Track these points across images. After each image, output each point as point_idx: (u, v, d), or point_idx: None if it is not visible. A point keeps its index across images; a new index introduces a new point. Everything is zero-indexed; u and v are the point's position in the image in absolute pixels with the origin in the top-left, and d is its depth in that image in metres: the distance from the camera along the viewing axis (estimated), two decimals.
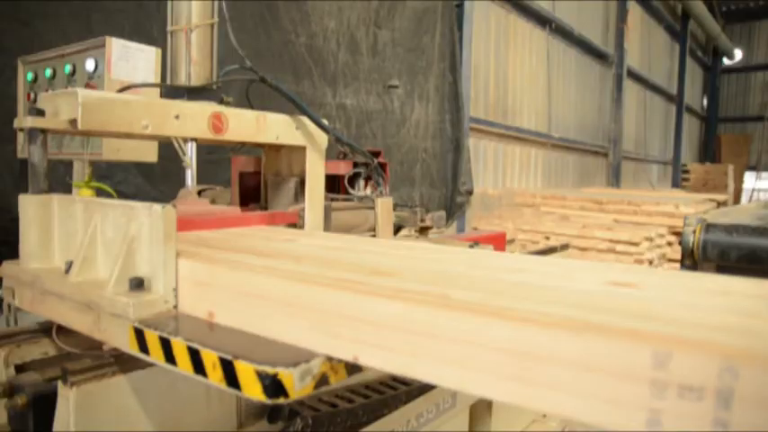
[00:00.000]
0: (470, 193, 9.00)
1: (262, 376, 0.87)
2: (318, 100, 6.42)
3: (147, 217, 1.15)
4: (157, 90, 1.95)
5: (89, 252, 1.26)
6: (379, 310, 0.86)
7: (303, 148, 1.84)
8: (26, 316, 2.01)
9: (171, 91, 1.71)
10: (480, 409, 2.52)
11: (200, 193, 2.34)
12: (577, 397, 0.68)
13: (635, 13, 15.43)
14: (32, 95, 2.16)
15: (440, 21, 8.26)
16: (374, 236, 2.11)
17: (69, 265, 1.28)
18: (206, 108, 1.59)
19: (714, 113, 25.30)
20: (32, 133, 1.35)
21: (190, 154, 1.59)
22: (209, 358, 0.94)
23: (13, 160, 3.20)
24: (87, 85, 1.93)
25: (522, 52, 10.82)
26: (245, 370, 0.89)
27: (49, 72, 2.08)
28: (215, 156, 4.07)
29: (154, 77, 1.92)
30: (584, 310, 0.76)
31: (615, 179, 14.46)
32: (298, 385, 0.87)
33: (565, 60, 12.47)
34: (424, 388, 1.95)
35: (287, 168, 1.99)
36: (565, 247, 4.52)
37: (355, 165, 2.33)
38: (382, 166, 2.26)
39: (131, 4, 4.00)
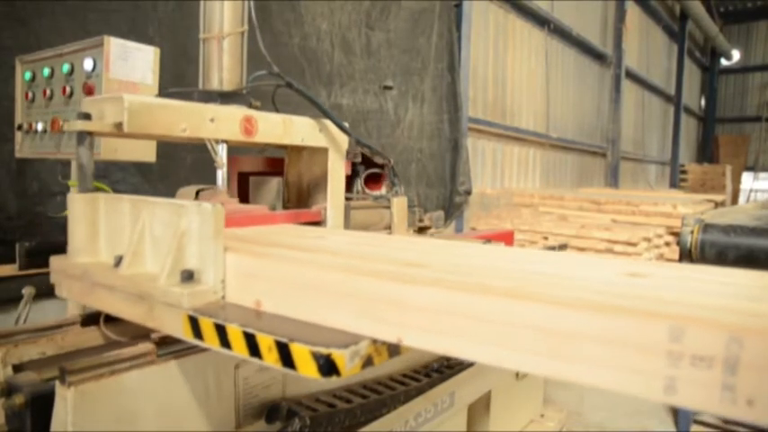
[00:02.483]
0: (469, 193, 9.12)
1: (317, 357, 0.99)
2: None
3: (197, 214, 1.26)
4: (154, 91, 2.02)
5: (138, 247, 1.38)
6: (421, 296, 0.98)
7: (325, 150, 1.96)
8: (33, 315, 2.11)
9: (204, 95, 1.82)
10: (478, 409, 2.60)
11: (198, 192, 2.41)
12: (602, 368, 0.81)
13: (633, 13, 15.60)
14: (30, 95, 2.22)
15: (437, 21, 8.36)
16: (390, 234, 2.23)
17: (119, 260, 1.40)
18: (238, 112, 1.71)
19: (712, 114, 25.55)
20: (81, 136, 1.47)
21: (221, 154, 1.70)
22: (265, 342, 1.06)
23: (11, 160, 3.28)
24: (85, 85, 1.99)
25: (520, 52, 10.94)
26: (300, 351, 1.01)
27: (47, 71, 2.13)
28: (209, 155, 4.18)
29: (152, 77, 1.98)
30: (605, 295, 0.88)
31: (614, 179, 14.62)
32: (348, 365, 0.99)
33: (563, 61, 12.61)
34: (422, 388, 2.00)
35: (307, 169, 2.11)
36: (563, 247, 4.65)
37: (358, 165, 2.42)
38: (380, 166, 2.36)
39: (127, 5, 4.06)
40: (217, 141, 1.70)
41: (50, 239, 2.13)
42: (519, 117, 11.07)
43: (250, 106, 1.83)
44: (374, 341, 1.03)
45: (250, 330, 1.08)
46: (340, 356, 0.98)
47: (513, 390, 2.91)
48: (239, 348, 1.11)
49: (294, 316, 1.15)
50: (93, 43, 1.93)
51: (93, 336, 1.74)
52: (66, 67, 2.06)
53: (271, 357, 1.05)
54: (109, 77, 1.88)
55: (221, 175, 1.68)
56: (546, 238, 7.97)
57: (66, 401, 1.21)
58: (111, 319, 1.69)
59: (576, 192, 11.07)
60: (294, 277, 1.16)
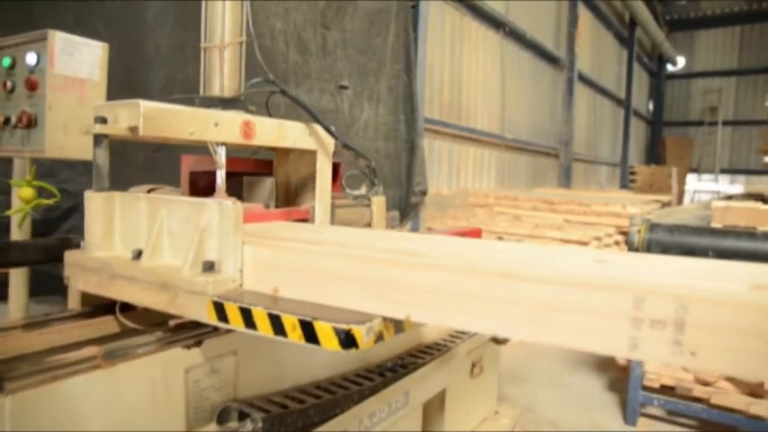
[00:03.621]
0: (425, 193, 9.31)
1: (338, 332, 1.19)
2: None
3: (217, 211, 1.44)
4: (102, 87, 2.05)
5: (157, 241, 1.55)
6: (426, 278, 1.20)
7: (313, 152, 2.15)
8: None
9: (205, 101, 1.98)
10: (433, 408, 2.68)
11: (149, 192, 2.39)
12: (580, 333, 1.04)
13: (585, 18, 16.24)
14: None
15: (394, 21, 8.46)
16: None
17: (137, 253, 1.56)
18: (238, 117, 1.88)
19: (659, 117, 26.76)
20: (98, 138, 1.62)
21: (221, 155, 1.87)
22: (290, 321, 1.25)
23: None
24: (28, 80, 1.97)
25: (476, 54, 11.23)
26: (323, 328, 1.21)
27: None
28: (160, 154, 4.21)
29: (99, 73, 2.01)
30: (579, 275, 1.11)
31: (566, 180, 15.18)
32: (365, 339, 1.19)
33: (518, 63, 13.02)
34: (376, 387, 2.03)
35: (294, 170, 2.29)
36: None
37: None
38: (335, 166, 2.49)
39: None
40: (217, 144, 1.86)
41: None
42: (474, 118, 11.36)
43: (247, 111, 2.01)
44: (384, 319, 1.24)
45: (275, 312, 1.27)
46: (358, 331, 1.18)
47: (467, 388, 2.98)
48: (264, 329, 1.29)
49: (310, 299, 1.34)
50: (37, 37, 1.91)
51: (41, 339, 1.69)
52: (7, 61, 2.02)
53: (295, 335, 1.24)
54: (54, 72, 1.88)
55: (220, 175, 1.83)
56: (501, 238, 8.25)
57: (3, 410, 1.19)
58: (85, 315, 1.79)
59: (530, 192, 11.46)
60: (309, 265, 1.35)
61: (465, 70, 10.90)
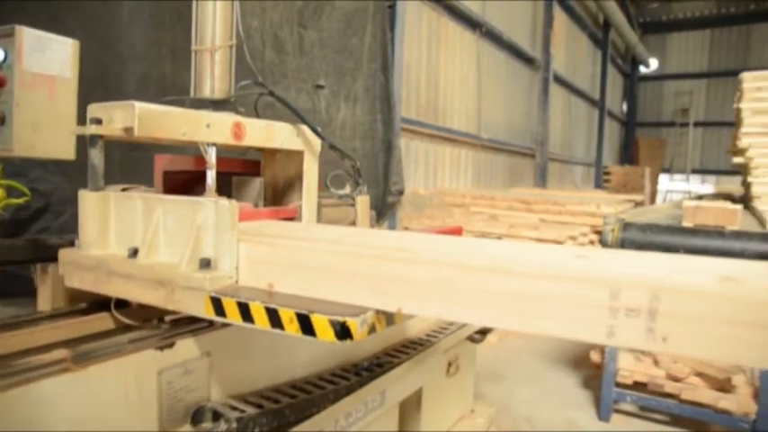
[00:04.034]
0: (401, 192, 9.38)
1: (334, 324, 1.27)
2: (243, 98, 6.55)
3: (213, 210, 1.51)
4: (74, 85, 2.05)
5: (153, 240, 1.61)
6: (416, 273, 1.28)
7: (300, 153, 2.22)
8: None
9: (196, 103, 2.04)
10: (410, 407, 2.71)
11: (122, 191, 2.46)
12: (562, 322, 1.13)
13: (561, 20, 16.50)
14: None
15: (371, 21, 8.49)
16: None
17: (133, 251, 1.62)
18: (229, 118, 1.95)
19: (633, 118, 27.31)
20: (93, 139, 1.67)
21: (211, 155, 1.92)
22: (287, 314, 1.32)
23: None
24: None
25: (453, 54, 11.35)
26: (319, 321, 1.28)
27: None
28: (136, 153, 4.20)
29: (71, 71, 1.96)
30: (560, 269, 1.20)
31: (542, 180, 15.41)
32: (359, 330, 1.27)
33: (494, 63, 13.19)
34: (352, 387, 2.04)
35: (281, 170, 2.36)
36: None
37: None
38: None
39: None
40: (208, 144, 1.92)
41: None
42: (451, 118, 11.48)
43: (237, 113, 2.07)
44: (377, 311, 1.32)
45: (272, 306, 1.34)
46: (353, 323, 1.26)
47: (443, 386, 3.01)
48: (261, 322, 1.36)
49: (304, 294, 1.42)
50: (4, 32, 1.89)
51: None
52: None
53: (292, 327, 1.31)
54: (22, 69, 1.86)
55: (210, 175, 1.89)
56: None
57: None
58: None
59: (507, 192, 11.62)
60: (303, 262, 1.43)
61: (442, 70, 11.01)
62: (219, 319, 1.44)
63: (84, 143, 1.97)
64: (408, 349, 2.50)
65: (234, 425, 1.55)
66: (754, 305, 1.00)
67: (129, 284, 1.60)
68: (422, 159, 10.75)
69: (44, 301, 1.94)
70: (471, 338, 3.18)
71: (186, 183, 2.30)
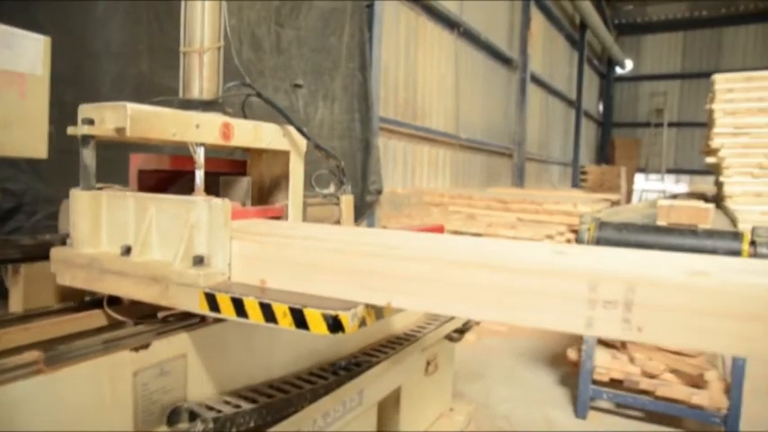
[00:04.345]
0: (380, 192, 9.42)
1: (326, 318, 1.33)
2: (228, 98, 6.50)
3: (205, 209, 1.56)
4: (45, 82, 2.03)
5: (147, 238, 1.65)
6: (405, 268, 1.35)
7: (286, 153, 2.28)
8: None
9: (184, 103, 2.08)
10: (389, 406, 2.73)
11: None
12: (543, 313, 1.20)
13: (538, 20, 16.72)
14: None
15: (349, 21, 8.48)
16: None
17: (126, 249, 1.66)
18: (217, 119, 2.00)
19: (609, 118, 27.77)
20: (85, 139, 1.71)
21: (200, 155, 1.97)
22: (280, 309, 1.38)
23: None
24: None
25: (431, 54, 11.43)
26: (312, 314, 1.34)
27: None
28: (111, 152, 4.20)
29: (42, 68, 1.94)
30: (542, 264, 1.28)
31: (519, 179, 15.60)
32: (351, 323, 1.33)
33: (472, 63, 13.32)
34: (330, 386, 2.04)
35: (267, 170, 2.41)
36: None
37: None
38: None
39: None
40: (197, 144, 1.96)
41: None
42: (429, 118, 11.56)
43: (225, 114, 2.12)
44: (367, 305, 1.38)
45: (266, 301, 1.40)
46: (345, 317, 1.32)
47: (422, 385, 3.04)
48: (255, 317, 1.42)
49: (295, 290, 1.47)
50: None
51: None
52: None
53: (285, 321, 1.37)
54: None
55: (199, 175, 1.94)
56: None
57: None
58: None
59: (484, 191, 11.73)
60: (295, 258, 1.49)
61: (420, 70, 11.07)
62: (213, 315, 1.49)
63: (62, 141, 1.95)
64: (387, 348, 2.52)
65: (210, 425, 1.54)
66: (722, 297, 1.09)
67: (123, 281, 1.64)
68: (400, 159, 10.79)
69: (16, 303, 1.92)
70: (450, 337, 3.21)
71: (161, 182, 2.31)
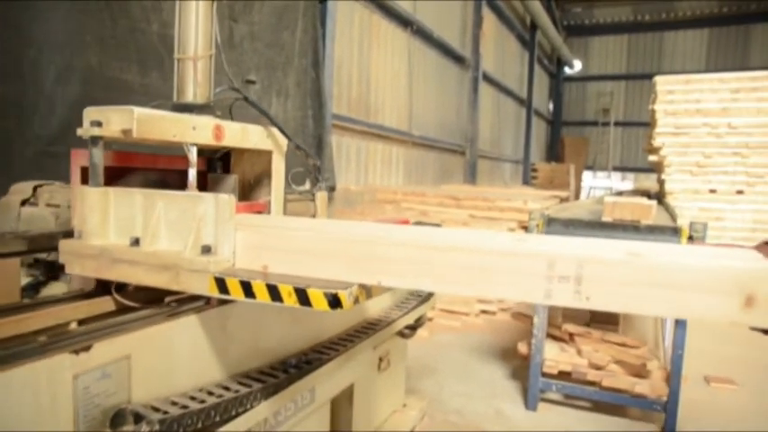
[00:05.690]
0: (333, 189, 9.57)
1: (327, 296, 1.59)
2: (170, 92, 6.45)
3: (213, 203, 1.80)
4: None
5: (156, 230, 1.88)
6: (393, 252, 1.62)
7: (269, 152, 2.52)
8: None
9: (178, 107, 2.30)
10: (342, 403, 2.81)
11: (35, 188, 2.58)
12: (508, 287, 1.51)
13: (490, 20, 17.25)
14: None
15: (302, 17, 8.46)
16: None
17: (135, 240, 1.89)
18: (210, 121, 2.24)
19: (558, 117, 28.81)
20: (94, 140, 1.92)
21: (193, 154, 2.20)
22: (285, 289, 1.63)
23: None
24: None
25: (384, 51, 11.67)
26: (314, 294, 1.60)
27: None
28: (55, 148, 4.22)
29: None
30: (507, 247, 1.57)
31: (472, 177, 16.07)
32: (348, 300, 1.59)
33: (425, 61, 13.67)
34: (281, 384, 2.06)
35: (250, 168, 2.65)
36: None
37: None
38: None
39: None
40: (190, 144, 2.18)
41: None
42: (383, 115, 11.82)
43: (215, 116, 2.35)
44: (360, 285, 1.64)
45: (272, 282, 1.65)
46: (343, 295, 1.58)
47: (375, 382, 3.13)
48: (262, 297, 1.67)
49: (295, 273, 1.73)
50: None
51: None
52: None
53: (290, 300, 1.62)
54: None
55: (191, 174, 2.17)
56: None
57: None
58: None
59: (437, 188, 12.04)
60: (295, 247, 1.75)
61: (373, 67, 11.30)
62: (223, 296, 1.73)
63: None
64: (338, 346, 2.55)
65: (156, 426, 1.54)
66: (652, 271, 1.40)
67: (134, 269, 1.86)
68: (353, 156, 10.97)
69: None
70: (402, 334, 3.33)
71: (105, 179, 2.23)
